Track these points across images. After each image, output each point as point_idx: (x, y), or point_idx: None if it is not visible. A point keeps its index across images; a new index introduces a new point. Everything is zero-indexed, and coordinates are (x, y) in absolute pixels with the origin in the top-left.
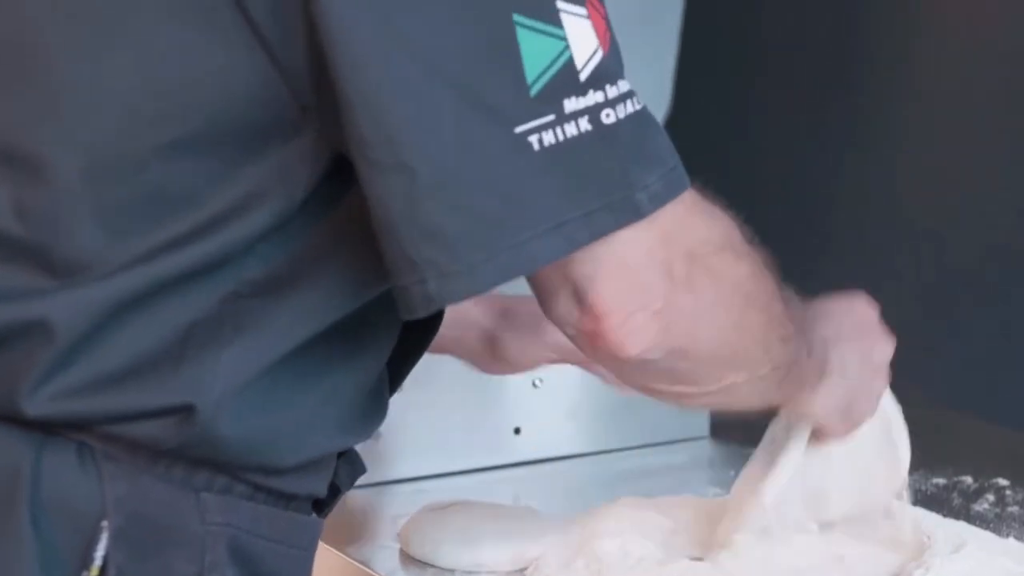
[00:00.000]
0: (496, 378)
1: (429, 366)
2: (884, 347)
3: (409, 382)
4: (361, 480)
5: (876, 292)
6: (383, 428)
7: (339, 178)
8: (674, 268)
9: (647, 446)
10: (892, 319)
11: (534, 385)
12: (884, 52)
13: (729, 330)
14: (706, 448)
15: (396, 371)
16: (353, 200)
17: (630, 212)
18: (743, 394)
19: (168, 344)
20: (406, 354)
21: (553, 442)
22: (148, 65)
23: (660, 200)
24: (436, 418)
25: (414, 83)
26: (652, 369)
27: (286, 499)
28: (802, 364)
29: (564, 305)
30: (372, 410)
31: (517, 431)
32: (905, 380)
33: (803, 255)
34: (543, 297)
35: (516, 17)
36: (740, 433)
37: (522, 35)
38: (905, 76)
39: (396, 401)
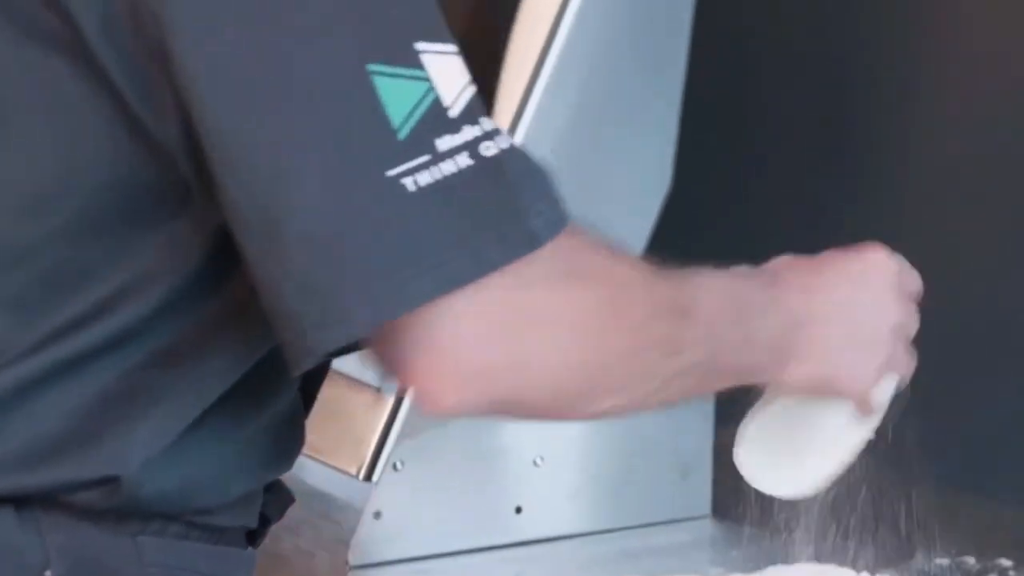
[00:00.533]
0: (497, 457)
1: (429, 445)
2: (889, 313)
3: (410, 461)
4: (362, 559)
5: None
6: (383, 507)
7: (232, 245)
8: (508, 319)
9: (649, 525)
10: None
11: (535, 464)
12: (881, 128)
13: (576, 369)
14: (708, 527)
15: (309, 391)
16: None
17: (524, 243)
18: (655, 400)
19: (83, 420)
20: (316, 372)
21: (555, 521)
22: (33, 156)
23: (555, 228)
24: (437, 497)
25: (278, 144)
26: (484, 411)
27: (219, 533)
28: (759, 342)
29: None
30: (289, 440)
31: (518, 510)
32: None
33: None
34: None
35: (370, 67)
36: (743, 512)
37: (380, 83)
38: (905, 154)
39: (396, 480)
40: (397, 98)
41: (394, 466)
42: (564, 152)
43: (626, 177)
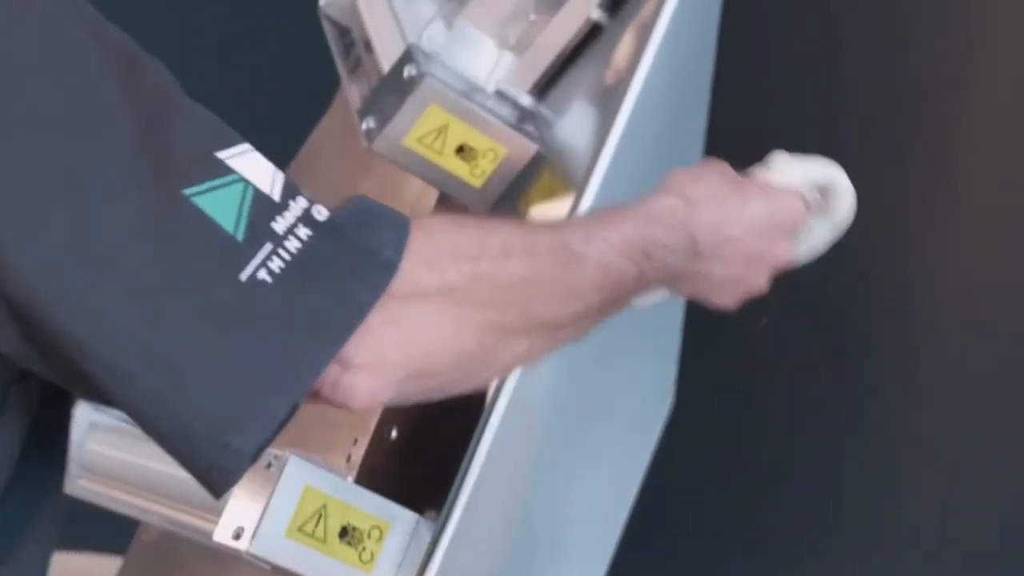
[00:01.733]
0: None
1: None
2: (774, 254)
3: None
4: None
5: None
6: None
7: None
8: (402, 314)
9: None
10: None
11: None
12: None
13: (474, 344)
14: None
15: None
16: None
17: (384, 274)
18: (565, 340)
19: None
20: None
21: None
22: None
23: (403, 243)
24: None
25: (116, 309)
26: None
27: None
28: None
29: None
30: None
31: None
32: None
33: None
34: None
35: (186, 192)
36: None
37: (201, 201)
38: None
39: None
40: (222, 207)
41: None
42: (566, 373)
43: (628, 399)
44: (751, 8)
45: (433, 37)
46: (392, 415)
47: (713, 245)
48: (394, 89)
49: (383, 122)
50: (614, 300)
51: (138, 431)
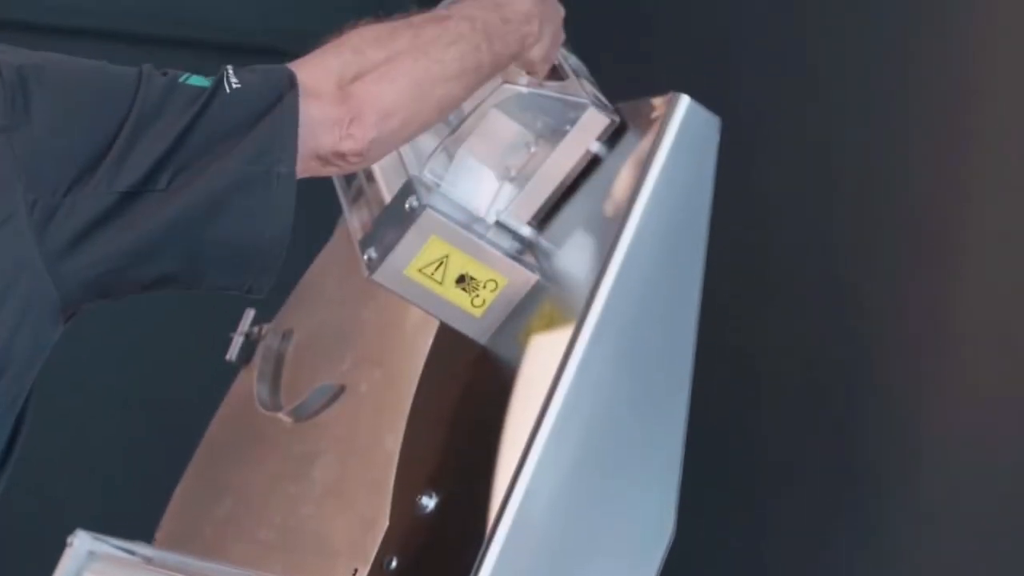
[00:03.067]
0: None
1: None
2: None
3: None
4: None
5: None
6: None
7: None
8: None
9: None
10: None
11: None
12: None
13: (412, 92)
14: None
15: None
16: None
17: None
18: (472, 77)
19: None
20: None
21: None
22: None
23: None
24: None
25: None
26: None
27: None
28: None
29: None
30: None
31: None
32: None
33: None
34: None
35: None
36: None
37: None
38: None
39: None
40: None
41: None
42: (564, 506)
43: (628, 529)
44: (749, 141)
45: (434, 168)
46: (392, 544)
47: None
48: (396, 220)
49: (384, 253)
50: (493, 43)
51: (136, 560)
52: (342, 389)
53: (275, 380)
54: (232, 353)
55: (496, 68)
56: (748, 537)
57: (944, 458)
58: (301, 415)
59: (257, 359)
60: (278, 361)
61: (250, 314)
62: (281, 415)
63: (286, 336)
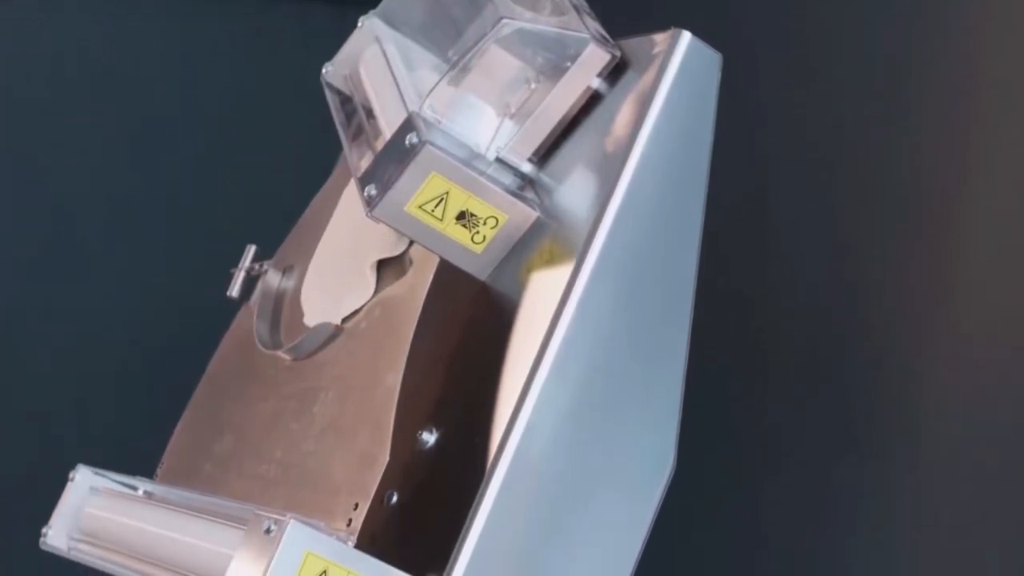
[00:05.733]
0: None
1: None
2: None
3: None
4: None
5: None
6: None
7: None
8: None
9: None
10: None
11: None
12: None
13: None
14: None
15: None
16: None
17: None
18: None
19: None
20: None
21: None
22: None
23: None
24: None
25: None
26: None
27: None
28: None
29: None
30: None
31: None
32: None
33: None
34: None
35: None
36: None
37: None
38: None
39: None
40: None
41: None
42: (564, 441)
43: (628, 463)
44: (751, 77)
45: (434, 105)
46: (393, 480)
47: None
48: (395, 157)
49: (384, 189)
50: None
51: (138, 495)
52: (341, 327)
53: (275, 318)
54: (233, 289)
55: None
56: (744, 510)
57: (944, 428)
58: (300, 353)
59: (257, 296)
60: (278, 299)
61: (251, 250)
62: (280, 353)
63: (286, 272)
